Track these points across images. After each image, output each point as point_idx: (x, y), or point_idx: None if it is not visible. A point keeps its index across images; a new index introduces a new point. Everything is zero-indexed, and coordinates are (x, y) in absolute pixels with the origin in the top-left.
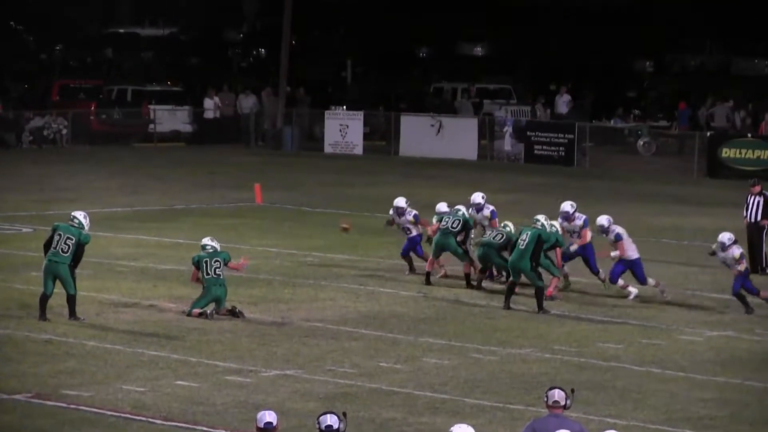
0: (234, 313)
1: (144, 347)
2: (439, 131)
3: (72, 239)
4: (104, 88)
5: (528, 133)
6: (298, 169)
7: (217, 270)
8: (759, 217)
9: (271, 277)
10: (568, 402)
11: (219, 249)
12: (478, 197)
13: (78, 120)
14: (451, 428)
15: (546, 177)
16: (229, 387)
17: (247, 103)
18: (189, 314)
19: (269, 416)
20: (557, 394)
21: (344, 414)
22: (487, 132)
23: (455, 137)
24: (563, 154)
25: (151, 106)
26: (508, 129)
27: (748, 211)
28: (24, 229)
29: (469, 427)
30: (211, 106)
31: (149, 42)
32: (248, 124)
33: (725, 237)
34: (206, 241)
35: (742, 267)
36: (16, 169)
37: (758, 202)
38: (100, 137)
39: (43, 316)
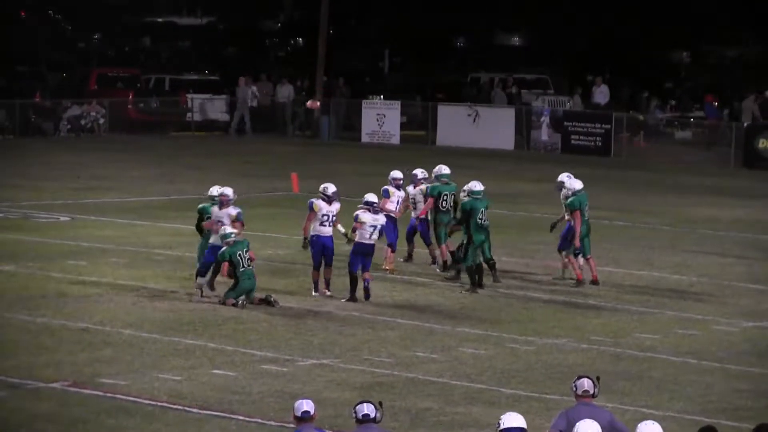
0: (268, 302)
1: (180, 336)
2: (475, 121)
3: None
4: (142, 77)
5: (565, 123)
6: (335, 159)
7: (249, 262)
8: None
9: (307, 267)
10: (596, 390)
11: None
12: (418, 172)
13: (115, 109)
14: (501, 417)
15: (583, 167)
16: (266, 376)
17: (284, 92)
18: (223, 303)
19: (306, 405)
20: (586, 383)
21: (380, 403)
22: (524, 122)
23: (492, 127)
24: (600, 144)
25: (189, 95)
26: (545, 119)
27: None
28: (61, 218)
29: (519, 415)
30: (248, 95)
31: (187, 31)
32: (285, 113)
33: None
34: (227, 229)
35: None
36: (54, 157)
37: None
38: (137, 126)
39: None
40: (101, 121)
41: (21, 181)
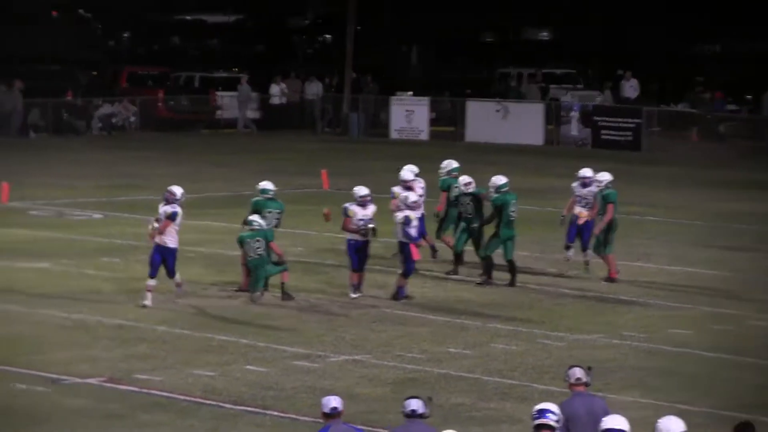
0: (286, 295)
1: (213, 332)
2: (505, 116)
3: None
4: (172, 75)
5: (595, 117)
6: (364, 155)
7: (258, 250)
8: None
9: (338, 263)
10: (589, 379)
11: (264, 227)
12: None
13: (146, 107)
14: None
15: (613, 162)
16: (298, 372)
17: (313, 89)
18: (254, 301)
19: (335, 401)
20: (578, 372)
21: (430, 399)
22: (554, 117)
23: (521, 122)
24: (630, 138)
25: (218, 93)
26: (575, 114)
27: None
28: (95, 215)
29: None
30: (277, 92)
31: (215, 29)
32: (314, 110)
33: None
34: (254, 217)
35: None
36: (86, 155)
37: None
38: (167, 124)
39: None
40: (132, 119)
41: (54, 180)
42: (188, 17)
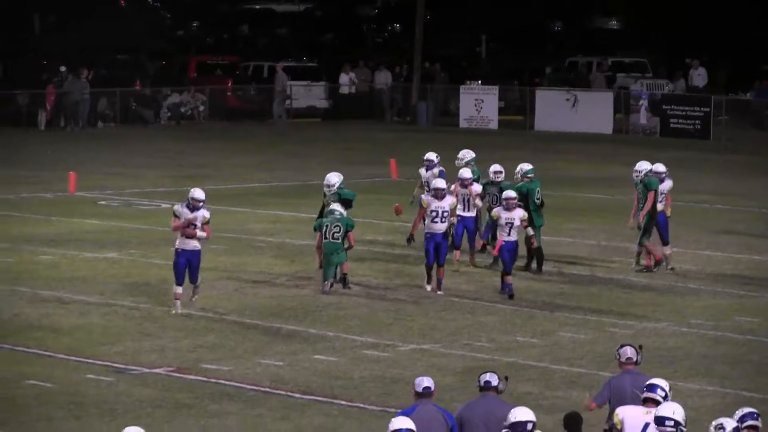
0: (344, 282)
1: (282, 322)
2: (574, 105)
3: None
4: (240, 64)
5: (663, 106)
6: (433, 145)
7: (335, 235)
8: None
9: (406, 253)
10: (639, 357)
11: (345, 215)
12: (432, 155)
13: (215, 96)
14: (512, 410)
15: (682, 151)
16: (366, 361)
17: (382, 78)
18: (325, 292)
19: (428, 381)
20: (629, 351)
21: (506, 378)
22: (623, 106)
23: (590, 111)
24: (699, 127)
25: (288, 82)
26: (644, 102)
27: None
28: (163, 205)
29: (528, 410)
30: (346, 81)
31: (284, 18)
32: (383, 99)
33: None
34: (336, 206)
35: None
36: (155, 145)
37: None
38: (236, 113)
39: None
40: (201, 108)
41: (122, 169)
42: (257, 6)
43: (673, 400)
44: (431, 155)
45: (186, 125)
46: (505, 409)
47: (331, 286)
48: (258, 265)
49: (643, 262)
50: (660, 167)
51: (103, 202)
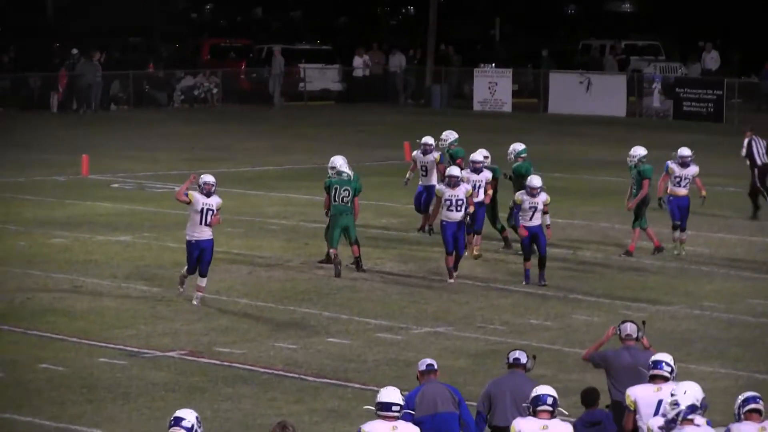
0: (357, 264)
1: (295, 305)
2: (588, 88)
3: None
4: (254, 47)
5: (676, 89)
6: (446, 127)
7: (345, 198)
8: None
9: (420, 236)
10: (640, 334)
11: (353, 177)
12: (429, 139)
13: (228, 79)
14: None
15: (695, 134)
16: (380, 344)
17: (396, 61)
18: (332, 258)
19: (429, 360)
20: (629, 327)
21: (534, 357)
22: (636, 89)
23: (604, 94)
24: (712, 110)
25: (301, 65)
26: (657, 86)
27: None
28: (176, 188)
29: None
30: (360, 64)
31: (298, 1)
32: (396, 82)
33: None
34: (342, 166)
35: None
36: (168, 128)
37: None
38: (250, 96)
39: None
40: (214, 91)
41: (136, 152)
42: None
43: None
44: (428, 139)
45: (199, 108)
46: (532, 386)
47: (337, 254)
48: (272, 248)
49: (629, 248)
50: (685, 151)
51: (116, 185)
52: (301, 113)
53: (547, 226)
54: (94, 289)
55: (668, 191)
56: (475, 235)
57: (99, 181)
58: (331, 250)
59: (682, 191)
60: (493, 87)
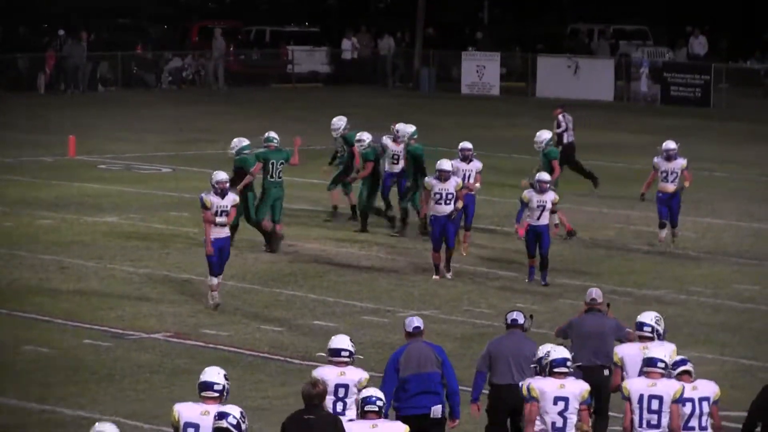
0: (270, 243)
1: (281, 287)
2: (575, 72)
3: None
4: (242, 29)
5: (664, 74)
6: (435, 111)
7: (280, 173)
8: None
9: (409, 219)
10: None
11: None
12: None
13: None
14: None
15: (682, 118)
16: (367, 327)
17: (385, 44)
18: (258, 222)
19: (417, 321)
20: (594, 293)
21: (531, 316)
22: (624, 73)
23: (592, 78)
24: (699, 95)
25: (290, 47)
26: (645, 70)
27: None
28: (163, 170)
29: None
30: (348, 47)
31: None
32: (385, 65)
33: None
34: (273, 134)
35: None
36: (156, 109)
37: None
38: (238, 78)
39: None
40: (203, 73)
41: (123, 133)
42: None
43: None
44: (402, 126)
45: (187, 90)
46: (530, 345)
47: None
48: (257, 231)
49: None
50: (670, 144)
51: (104, 166)
52: (289, 95)
53: (555, 225)
54: (80, 270)
55: (658, 188)
56: (465, 232)
57: (86, 162)
58: (264, 223)
59: (671, 187)
60: (481, 70)
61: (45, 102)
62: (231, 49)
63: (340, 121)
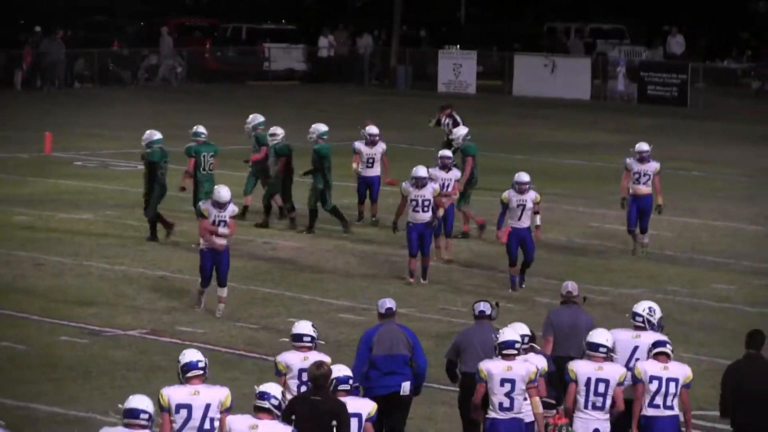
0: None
1: (258, 285)
2: (552, 71)
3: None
4: (219, 26)
5: (641, 73)
6: (411, 109)
7: (211, 166)
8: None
9: (382, 216)
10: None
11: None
12: (374, 129)
13: (193, 58)
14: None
15: (659, 118)
16: (343, 325)
17: (362, 43)
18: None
19: (390, 302)
20: (570, 286)
21: (497, 304)
22: (601, 72)
23: (569, 77)
24: (676, 94)
25: (266, 45)
26: (621, 69)
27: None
28: (139, 167)
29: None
30: (325, 44)
31: None
32: (363, 63)
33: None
34: (201, 128)
35: None
36: (132, 106)
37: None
38: (215, 75)
39: None
40: (179, 70)
41: (99, 130)
42: None
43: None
44: (373, 129)
45: (164, 87)
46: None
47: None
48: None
49: (463, 228)
50: (643, 146)
51: (80, 163)
52: (266, 93)
53: (537, 227)
54: (56, 267)
55: (630, 190)
56: (446, 239)
57: (62, 158)
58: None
59: (644, 189)
60: (457, 68)
61: (21, 99)
62: (207, 46)
63: (320, 127)
